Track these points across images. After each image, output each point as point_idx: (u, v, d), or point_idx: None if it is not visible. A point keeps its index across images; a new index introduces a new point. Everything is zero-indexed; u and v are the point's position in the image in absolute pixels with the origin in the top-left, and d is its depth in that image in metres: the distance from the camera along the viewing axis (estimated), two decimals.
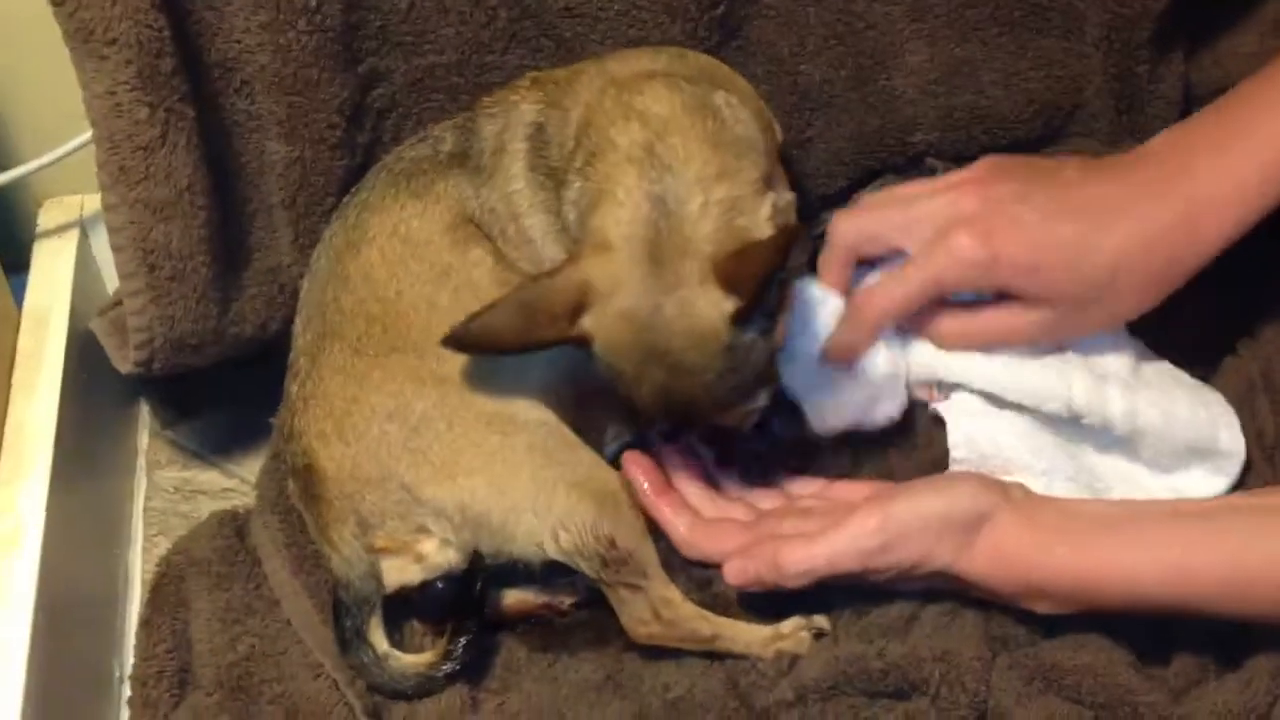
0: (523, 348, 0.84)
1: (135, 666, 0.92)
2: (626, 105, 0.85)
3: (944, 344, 0.91)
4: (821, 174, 1.09)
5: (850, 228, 0.92)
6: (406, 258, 0.92)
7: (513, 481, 0.87)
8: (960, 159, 1.08)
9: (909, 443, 0.95)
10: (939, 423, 0.93)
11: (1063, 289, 0.86)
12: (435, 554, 0.88)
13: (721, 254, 0.80)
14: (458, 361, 0.88)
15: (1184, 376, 0.94)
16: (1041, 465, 0.89)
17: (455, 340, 0.83)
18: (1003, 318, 0.89)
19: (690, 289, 0.80)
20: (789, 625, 0.88)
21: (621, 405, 0.86)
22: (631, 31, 1.02)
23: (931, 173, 1.07)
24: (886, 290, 0.89)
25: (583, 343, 0.83)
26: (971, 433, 0.91)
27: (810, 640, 0.87)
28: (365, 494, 0.88)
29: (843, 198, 1.10)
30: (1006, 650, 0.84)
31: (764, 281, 0.79)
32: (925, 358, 0.92)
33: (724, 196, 0.82)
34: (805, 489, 0.93)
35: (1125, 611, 0.81)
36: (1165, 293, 0.87)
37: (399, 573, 0.89)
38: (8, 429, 1.00)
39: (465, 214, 0.93)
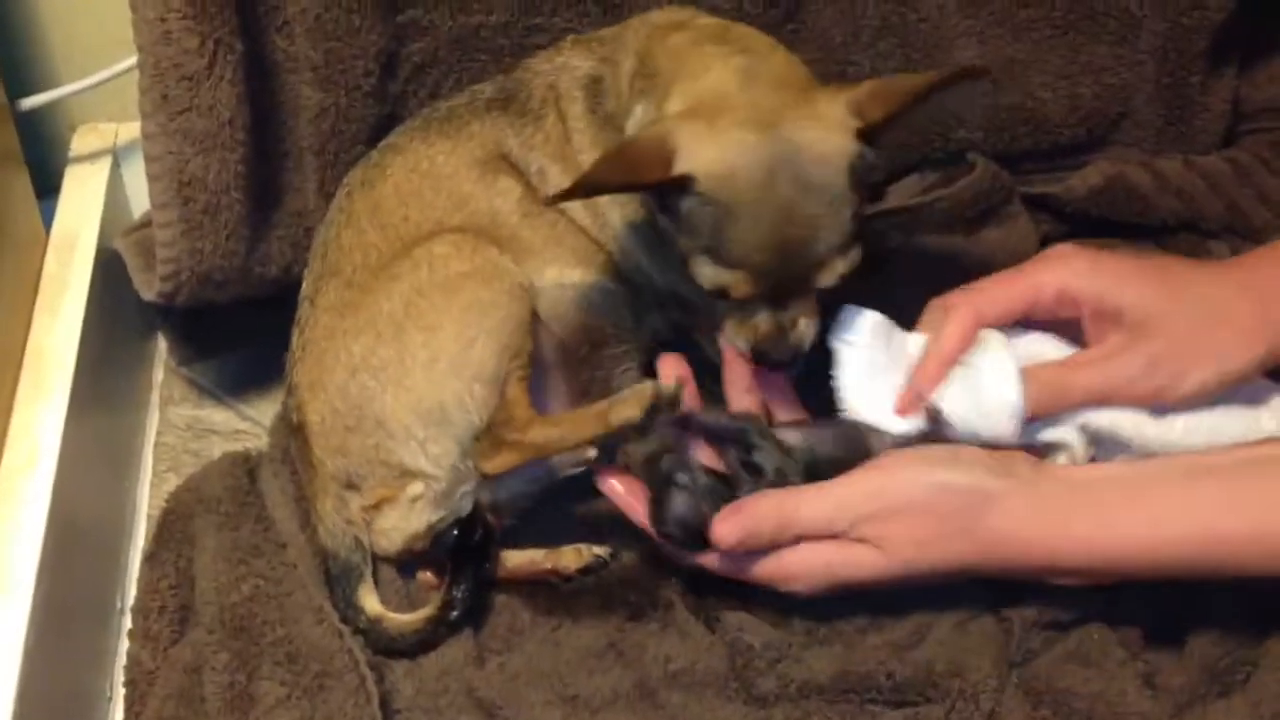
0: (625, 189, 0.85)
1: (137, 599, 0.92)
2: (675, 27, 0.89)
3: (1037, 397, 0.83)
4: None
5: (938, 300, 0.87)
6: (423, 189, 0.92)
7: (444, 345, 0.86)
8: (1001, 158, 1.08)
9: None
10: None
11: (1170, 311, 0.80)
12: (424, 494, 0.87)
13: (840, 88, 0.81)
14: (442, 268, 0.87)
15: None
16: None
17: (561, 195, 0.81)
18: (1105, 359, 0.82)
19: (804, 106, 0.80)
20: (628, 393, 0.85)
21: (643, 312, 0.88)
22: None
23: (972, 168, 1.07)
24: (986, 294, 0.84)
25: (680, 188, 0.80)
26: None
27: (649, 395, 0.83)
28: (348, 444, 0.88)
29: (880, 190, 1.10)
30: (1021, 663, 0.83)
31: (909, 102, 0.79)
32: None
33: (801, 65, 0.85)
34: None
35: (1150, 579, 0.80)
36: (1270, 347, 0.81)
37: (401, 522, 0.88)
38: (29, 350, 1.00)
39: (499, 152, 0.93)
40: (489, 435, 0.85)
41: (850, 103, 0.80)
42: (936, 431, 0.82)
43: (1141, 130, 1.09)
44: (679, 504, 0.82)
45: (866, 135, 0.80)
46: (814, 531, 0.80)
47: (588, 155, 0.92)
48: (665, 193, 0.81)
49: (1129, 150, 1.10)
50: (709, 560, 0.84)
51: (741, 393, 0.88)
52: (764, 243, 0.80)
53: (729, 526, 0.81)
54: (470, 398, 0.85)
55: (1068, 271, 0.82)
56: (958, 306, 0.83)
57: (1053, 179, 1.09)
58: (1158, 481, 0.80)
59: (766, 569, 0.82)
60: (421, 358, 0.86)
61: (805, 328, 0.83)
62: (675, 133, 0.80)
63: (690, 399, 0.87)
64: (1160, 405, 0.82)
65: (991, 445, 0.81)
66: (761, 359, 0.84)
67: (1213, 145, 1.11)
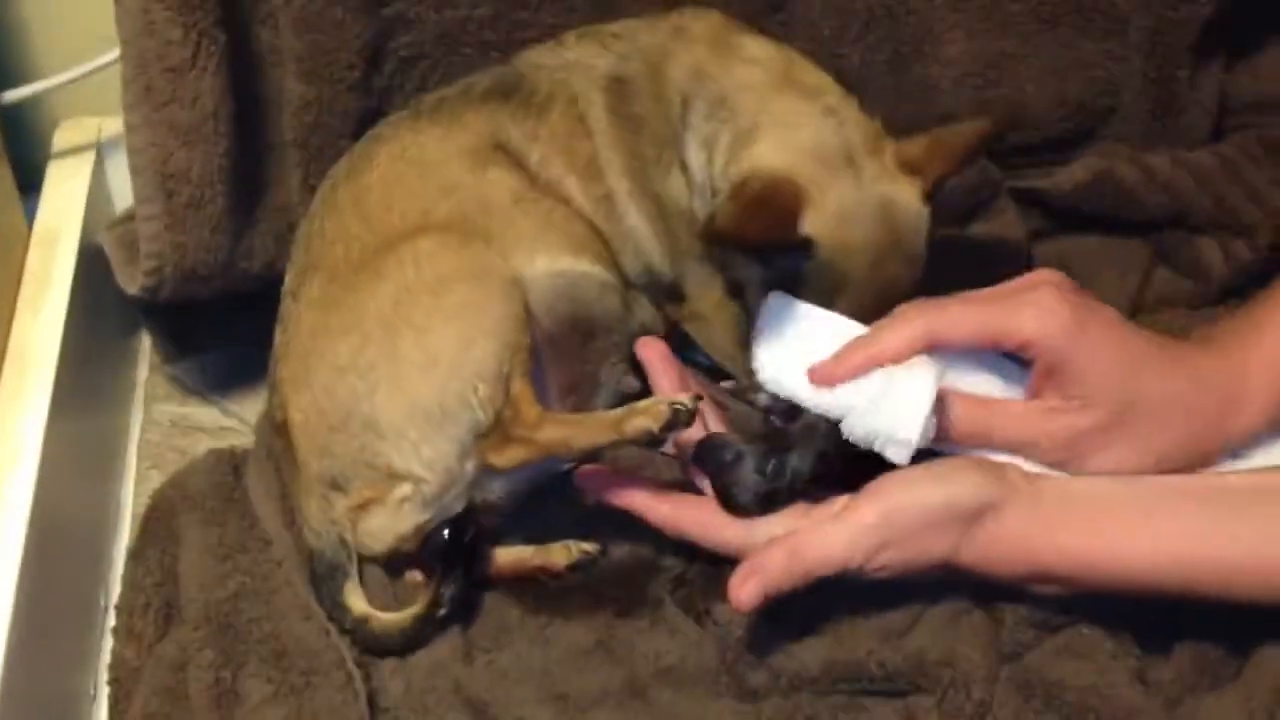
0: (749, 247, 0.86)
1: (121, 596, 0.91)
2: (732, 55, 0.91)
3: (957, 426, 0.83)
4: None
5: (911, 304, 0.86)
6: (409, 176, 0.91)
7: (440, 348, 0.85)
8: (990, 154, 1.07)
9: None
10: None
11: (1119, 395, 0.80)
12: (412, 496, 0.86)
13: (903, 145, 0.86)
14: (429, 267, 0.86)
15: None
16: None
17: (707, 232, 0.85)
18: (1034, 416, 0.82)
19: (887, 176, 0.86)
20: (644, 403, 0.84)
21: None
22: None
23: None
24: (947, 315, 0.82)
25: (800, 248, 0.83)
26: None
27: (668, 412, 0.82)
28: (333, 444, 0.87)
29: None
30: (1012, 657, 0.83)
31: (969, 157, 0.86)
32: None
33: (859, 108, 0.89)
34: None
35: (1136, 595, 0.80)
36: (1184, 459, 0.82)
37: (389, 523, 0.87)
38: (10, 347, 0.99)
39: (494, 141, 0.92)
40: (498, 430, 0.85)
41: (909, 162, 0.85)
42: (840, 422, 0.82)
43: (1129, 125, 1.09)
44: (745, 477, 0.82)
45: (930, 193, 0.85)
46: (830, 572, 0.80)
47: (608, 153, 0.92)
48: (775, 249, 0.84)
49: (1117, 145, 1.10)
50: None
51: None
52: (865, 307, 0.84)
53: (747, 591, 0.80)
54: (475, 397, 0.84)
55: (1043, 330, 0.80)
56: (911, 318, 0.82)
57: (1041, 173, 1.09)
58: (1152, 501, 0.81)
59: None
60: (417, 360, 0.85)
61: None
62: (801, 189, 0.84)
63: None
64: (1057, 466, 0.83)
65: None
66: None
67: (1200, 141, 1.11)
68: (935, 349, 0.82)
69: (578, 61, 0.94)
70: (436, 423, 0.85)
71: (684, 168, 0.91)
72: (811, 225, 0.83)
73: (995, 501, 0.79)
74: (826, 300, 0.84)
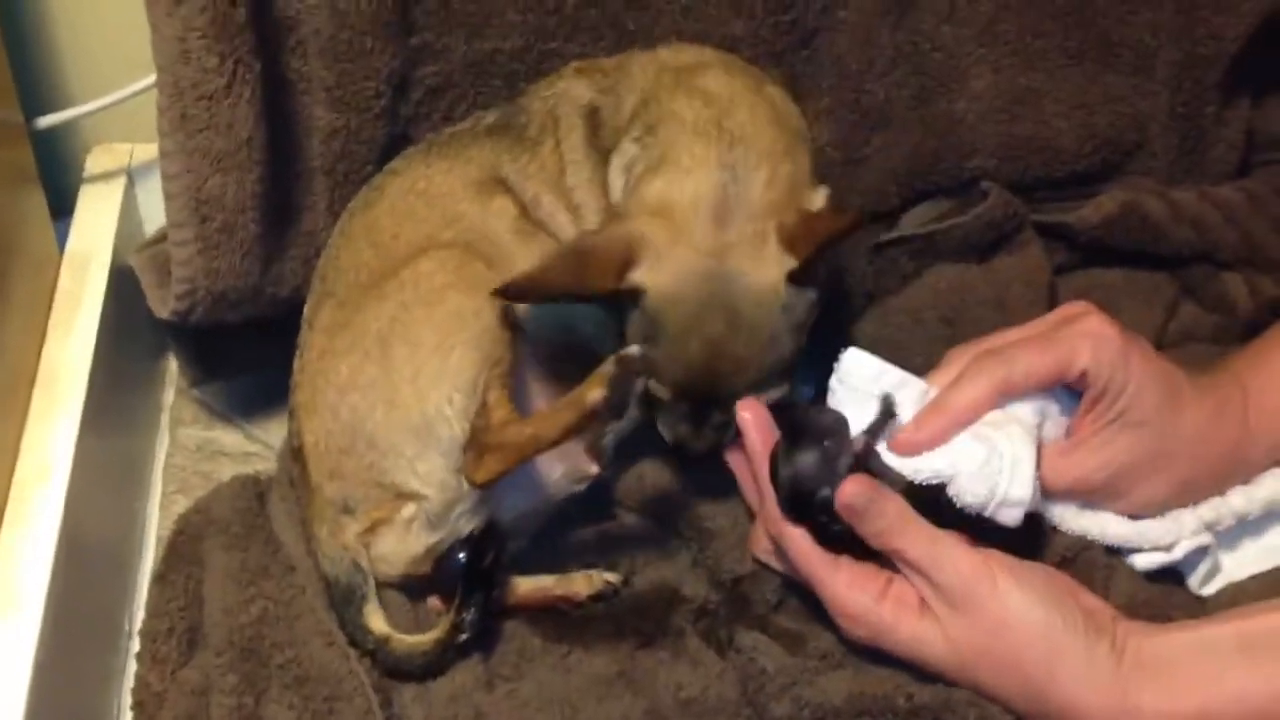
0: (572, 297, 0.86)
1: (145, 621, 0.91)
2: (687, 85, 0.89)
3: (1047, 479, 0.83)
4: (874, 191, 1.09)
5: (961, 348, 0.88)
6: (417, 207, 0.93)
7: (425, 357, 0.86)
8: (1015, 187, 1.08)
9: None
10: None
11: (1159, 426, 0.82)
12: (419, 515, 0.87)
13: (787, 219, 0.84)
14: (426, 283, 0.87)
15: None
16: None
17: (505, 290, 0.82)
18: (1090, 451, 0.83)
19: (755, 245, 0.84)
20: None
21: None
22: (695, 26, 1.02)
23: (984, 196, 1.07)
24: (1015, 366, 0.83)
25: (630, 296, 0.83)
26: None
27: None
28: (343, 466, 0.87)
29: (893, 217, 1.10)
30: None
31: (824, 247, 0.83)
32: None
33: (789, 173, 0.86)
34: None
35: None
36: (1211, 486, 0.85)
37: (399, 545, 0.87)
38: (41, 368, 1.00)
39: (496, 176, 0.93)
40: (473, 444, 0.84)
41: (786, 240, 0.84)
42: (925, 488, 0.81)
43: (1156, 160, 1.09)
44: (808, 461, 0.80)
45: (799, 273, 0.83)
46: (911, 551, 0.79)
47: (583, 190, 0.93)
48: (615, 293, 0.84)
49: (1143, 180, 1.10)
50: (792, 539, 0.82)
51: None
52: (689, 369, 0.84)
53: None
54: (450, 407, 0.85)
55: (1096, 359, 0.82)
56: (988, 369, 0.83)
57: (1066, 207, 1.09)
58: (1227, 656, 0.78)
59: (829, 591, 0.81)
60: (405, 372, 0.85)
61: (723, 428, 0.87)
62: (644, 241, 0.83)
63: None
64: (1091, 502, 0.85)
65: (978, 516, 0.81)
66: (681, 451, 0.89)
67: (1227, 176, 1.11)
68: (1006, 399, 0.82)
69: (566, 92, 0.95)
70: (423, 436, 0.85)
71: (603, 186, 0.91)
72: (645, 276, 0.83)
73: (1079, 652, 0.77)
74: (653, 350, 0.83)
